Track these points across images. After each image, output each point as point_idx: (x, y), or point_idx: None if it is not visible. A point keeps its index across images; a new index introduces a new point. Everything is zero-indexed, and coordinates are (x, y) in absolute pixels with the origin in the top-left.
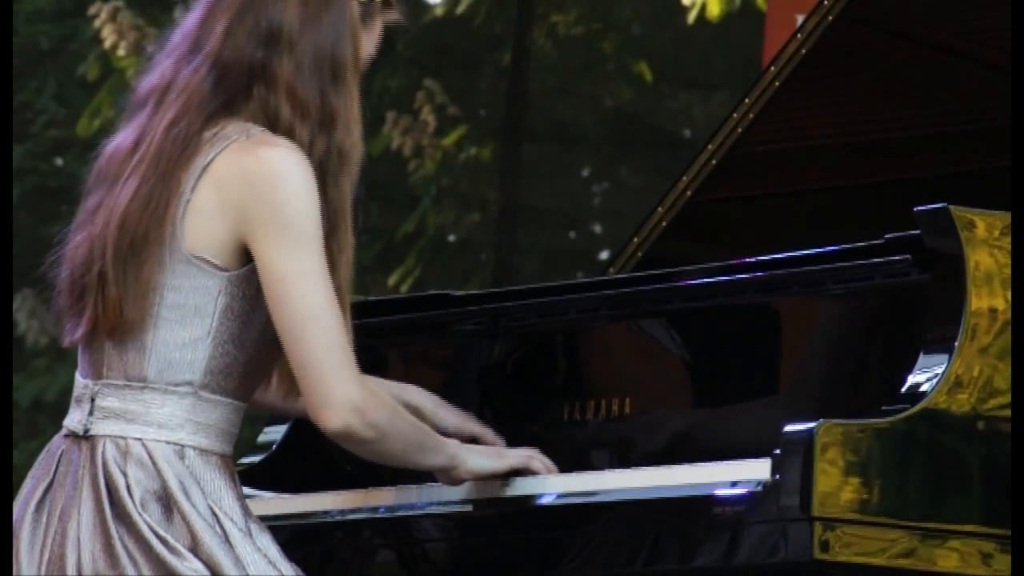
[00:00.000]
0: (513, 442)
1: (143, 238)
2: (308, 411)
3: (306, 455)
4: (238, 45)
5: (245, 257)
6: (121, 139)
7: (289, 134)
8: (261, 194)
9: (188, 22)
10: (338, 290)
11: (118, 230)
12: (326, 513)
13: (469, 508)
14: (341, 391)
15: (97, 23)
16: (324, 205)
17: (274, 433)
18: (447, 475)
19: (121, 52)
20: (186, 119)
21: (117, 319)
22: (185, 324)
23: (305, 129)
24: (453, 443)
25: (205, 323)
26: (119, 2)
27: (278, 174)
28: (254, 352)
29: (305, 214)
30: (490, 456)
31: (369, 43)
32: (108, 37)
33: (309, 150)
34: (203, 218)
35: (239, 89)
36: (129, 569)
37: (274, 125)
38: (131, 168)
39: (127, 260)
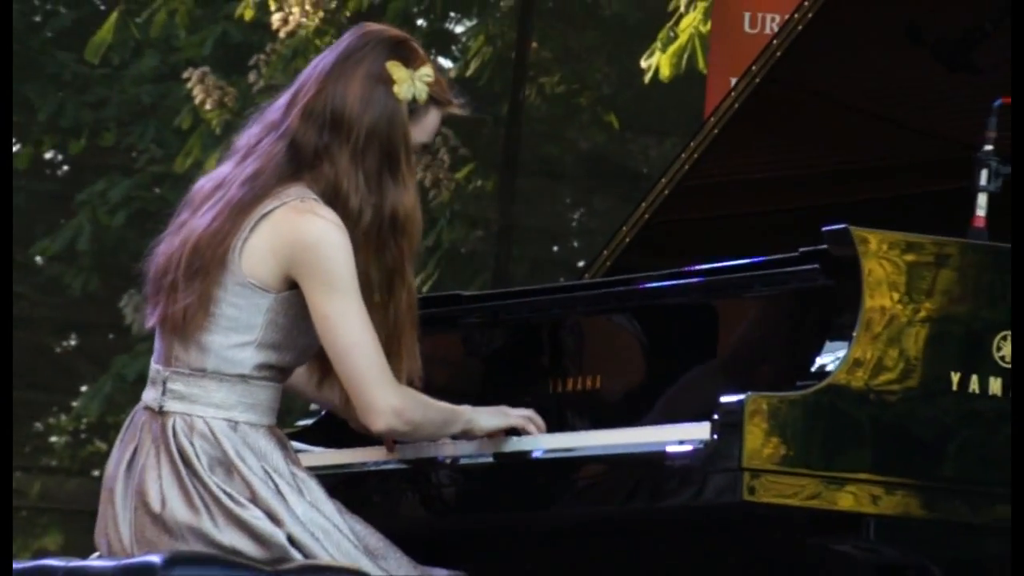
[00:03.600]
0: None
1: (209, 261)
2: (359, 415)
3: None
4: (309, 130)
5: (289, 283)
6: (209, 178)
7: (344, 203)
8: (306, 251)
9: (280, 100)
10: (397, 326)
11: (191, 252)
12: (363, 464)
13: (477, 460)
14: (382, 399)
15: (189, 84)
16: (379, 265)
17: None
18: (469, 436)
19: (208, 107)
20: (262, 177)
21: (180, 323)
22: (238, 331)
23: (356, 200)
24: (467, 410)
25: (254, 332)
26: (206, 68)
27: (319, 239)
28: (293, 353)
29: (340, 270)
30: (496, 415)
31: (420, 133)
32: (197, 95)
33: (358, 217)
34: (259, 253)
35: (307, 163)
36: (206, 517)
37: (333, 193)
38: (211, 204)
39: (195, 276)
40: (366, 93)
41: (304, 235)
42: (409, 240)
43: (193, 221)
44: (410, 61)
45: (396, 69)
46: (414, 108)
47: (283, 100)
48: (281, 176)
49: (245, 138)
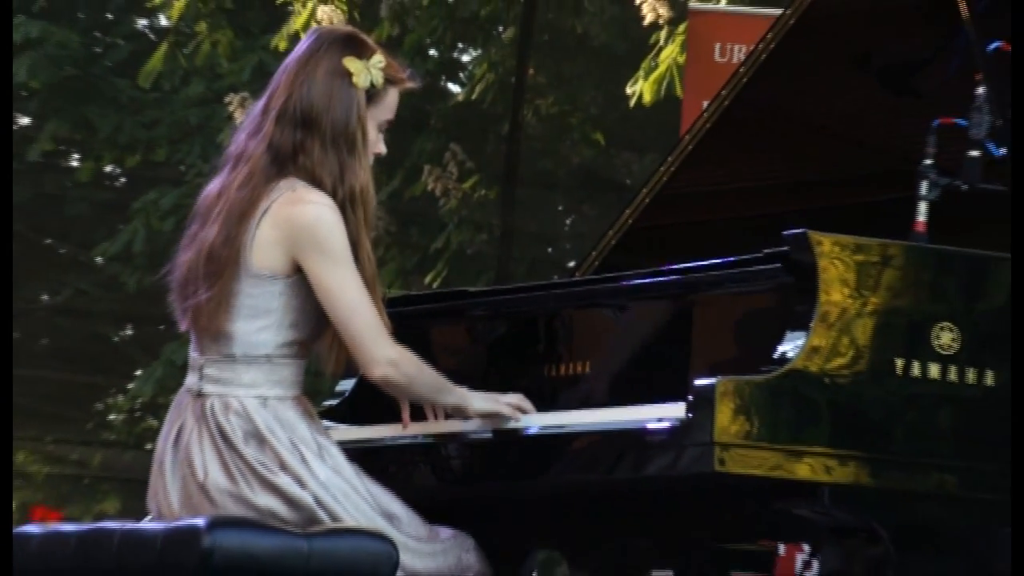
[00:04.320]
0: (510, 391)
1: (223, 264)
2: (360, 369)
3: (367, 400)
4: (284, 130)
5: (296, 267)
6: (210, 188)
7: (322, 186)
8: (303, 233)
9: (256, 107)
10: (368, 283)
11: (207, 259)
12: (380, 439)
13: (481, 436)
14: (380, 352)
15: (230, 107)
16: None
17: (345, 385)
18: (460, 413)
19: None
20: (253, 180)
21: (207, 321)
22: (258, 317)
23: (329, 182)
24: (463, 390)
25: (272, 315)
26: (245, 93)
27: (314, 220)
28: (308, 329)
29: (336, 244)
30: (489, 401)
31: (385, 112)
32: (238, 117)
33: (333, 196)
34: (265, 246)
35: (287, 160)
36: (243, 484)
37: (313, 181)
38: (216, 213)
39: (213, 279)
40: (328, 89)
41: (300, 219)
42: (365, 211)
43: (204, 232)
44: (362, 53)
45: (351, 63)
46: (374, 92)
47: (259, 107)
48: (269, 176)
49: (234, 146)
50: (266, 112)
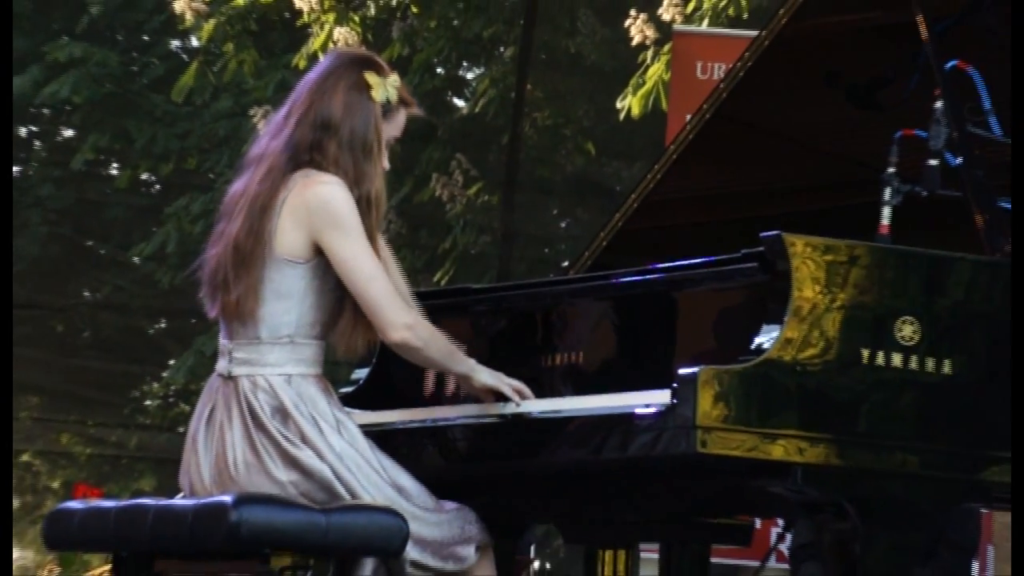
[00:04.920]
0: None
1: (249, 253)
2: (379, 334)
3: (380, 387)
4: (304, 132)
5: (316, 251)
6: (236, 187)
7: None
8: (318, 211)
9: (278, 115)
10: (369, 231)
11: (234, 250)
12: (392, 424)
13: (483, 420)
14: (398, 317)
15: (255, 119)
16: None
17: (360, 373)
18: (467, 382)
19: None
20: (272, 174)
21: (235, 307)
22: (282, 300)
23: (344, 181)
24: (472, 361)
25: (295, 298)
26: (269, 107)
27: (327, 198)
28: (328, 310)
29: (349, 218)
30: (494, 377)
31: (393, 129)
32: (262, 128)
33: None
34: (287, 232)
35: (305, 156)
36: (267, 459)
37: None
38: (239, 208)
39: (240, 268)
40: (348, 100)
41: (314, 200)
42: (378, 214)
43: (230, 227)
44: (380, 71)
45: (371, 77)
46: (388, 109)
47: (281, 114)
48: (286, 170)
49: (255, 148)
50: (287, 118)
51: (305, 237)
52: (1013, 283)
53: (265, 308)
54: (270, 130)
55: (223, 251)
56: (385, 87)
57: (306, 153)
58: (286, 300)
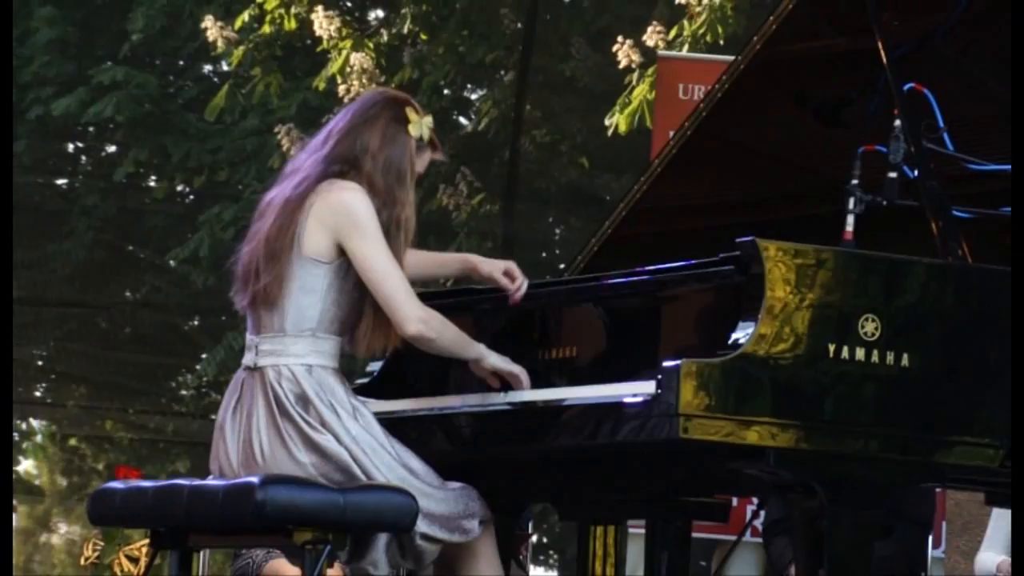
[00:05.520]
0: None
1: (279, 249)
2: (395, 327)
3: (392, 378)
4: (341, 151)
5: (339, 252)
6: (270, 193)
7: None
8: (340, 214)
9: (318, 137)
10: (396, 252)
11: (265, 245)
12: (403, 412)
13: (486, 408)
14: (412, 311)
15: (279, 136)
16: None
17: (374, 366)
18: (477, 365)
19: (293, 154)
20: (306, 182)
21: (264, 296)
22: (306, 296)
23: (377, 202)
24: (482, 346)
25: (318, 294)
26: (291, 124)
27: (349, 202)
28: (347, 308)
29: (368, 222)
30: (503, 360)
31: (418, 165)
32: (285, 144)
33: (378, 215)
34: (313, 233)
35: (339, 170)
36: (290, 442)
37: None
38: (272, 209)
39: (270, 261)
40: (388, 130)
41: (338, 204)
42: (406, 236)
43: (262, 226)
44: (418, 112)
45: (412, 113)
46: (419, 146)
47: (319, 137)
48: (319, 179)
49: (292, 163)
50: (326, 141)
51: (329, 239)
52: (1013, 283)
53: (290, 302)
54: (308, 149)
55: (255, 246)
56: (421, 125)
57: (341, 168)
58: (310, 295)
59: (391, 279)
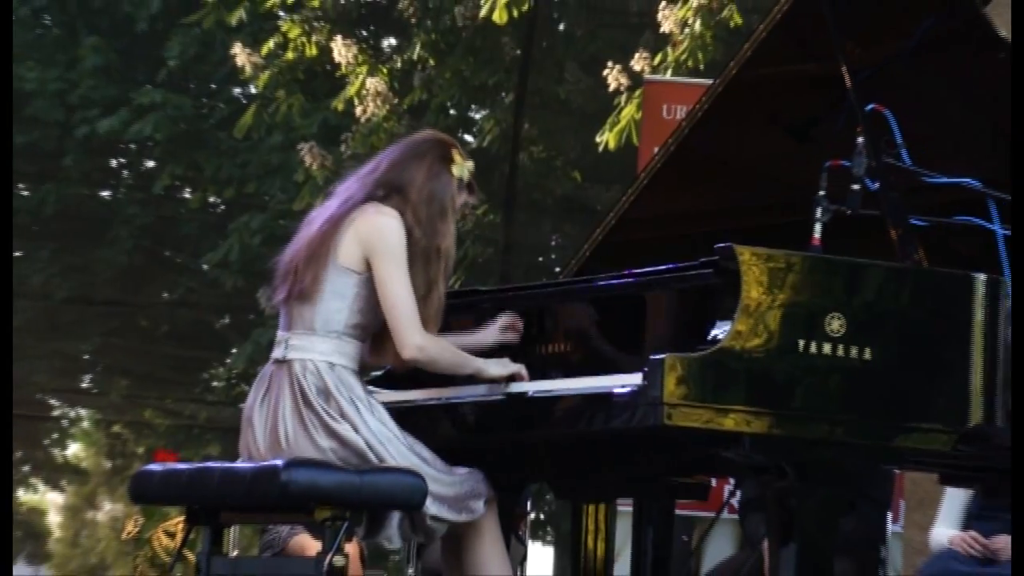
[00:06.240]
0: None
1: (318, 253)
2: (396, 347)
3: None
4: (389, 179)
5: (368, 267)
6: (318, 211)
7: (409, 230)
8: (373, 234)
9: (367, 166)
10: (430, 314)
11: (307, 247)
12: (414, 401)
13: (489, 399)
14: (410, 338)
15: (302, 152)
16: (424, 276)
17: None
18: (479, 377)
19: (314, 167)
20: (349, 202)
21: (301, 293)
22: (336, 300)
23: (419, 232)
24: (479, 362)
25: (347, 300)
26: (313, 142)
27: (383, 226)
28: (370, 317)
29: (395, 247)
30: (499, 366)
31: (456, 202)
32: (307, 160)
33: (417, 244)
34: (349, 245)
35: (383, 194)
36: (312, 430)
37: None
38: (318, 220)
39: (310, 263)
40: (434, 167)
41: (374, 225)
42: (445, 266)
43: (307, 233)
44: (462, 156)
45: (456, 155)
46: (458, 186)
47: (371, 164)
48: (364, 199)
49: (340, 185)
50: (375, 170)
51: (361, 253)
52: (1013, 283)
53: (322, 304)
54: (358, 174)
55: (298, 249)
56: (463, 168)
57: (383, 192)
58: (339, 300)
59: (401, 305)
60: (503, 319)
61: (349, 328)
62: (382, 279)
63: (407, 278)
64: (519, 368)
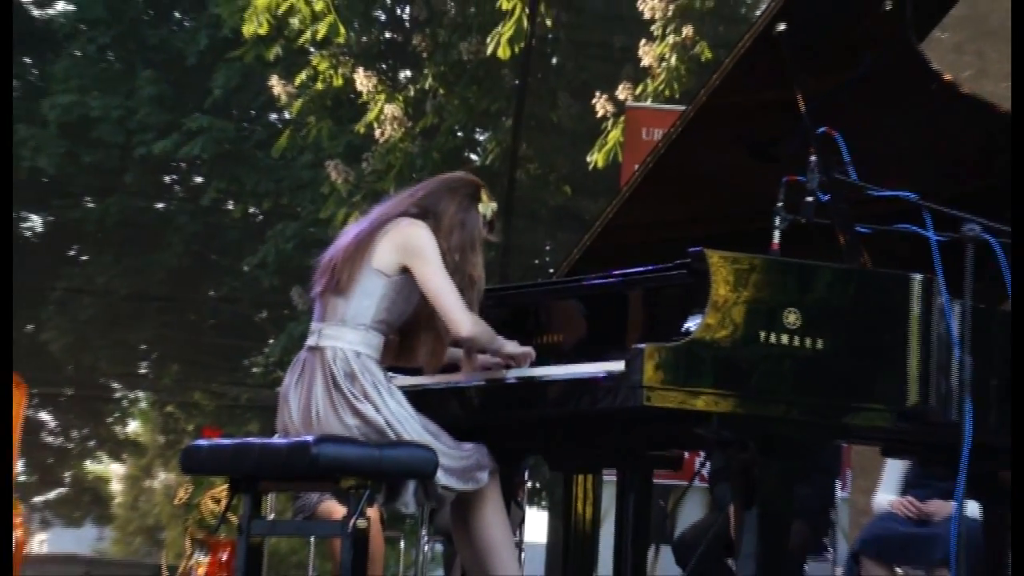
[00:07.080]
0: None
1: (355, 256)
2: (451, 330)
3: None
4: (425, 204)
5: (400, 270)
6: (356, 223)
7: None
8: (410, 243)
9: (406, 191)
10: (469, 303)
11: (345, 250)
12: (426, 384)
13: (491, 382)
14: (464, 319)
15: (329, 169)
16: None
17: None
18: (498, 352)
19: (339, 183)
20: (387, 216)
21: (336, 287)
22: (366, 298)
23: (450, 260)
24: (502, 340)
25: (374, 299)
26: (339, 160)
27: (419, 236)
28: (395, 315)
29: (432, 252)
30: (515, 346)
31: (482, 235)
32: (333, 175)
33: (443, 259)
34: (383, 251)
35: (413, 211)
36: (340, 409)
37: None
38: (357, 228)
39: (347, 262)
40: (464, 202)
41: (410, 235)
42: (477, 292)
43: (347, 237)
44: (489, 198)
45: (485, 195)
46: (485, 220)
47: (409, 190)
48: (400, 215)
49: (380, 204)
50: (413, 195)
51: (395, 259)
52: (1013, 283)
53: (353, 299)
54: (397, 196)
55: (338, 249)
56: (488, 206)
57: (417, 211)
58: (369, 298)
59: (446, 295)
60: (524, 348)
61: (375, 323)
62: (424, 278)
63: (445, 271)
64: (529, 350)
